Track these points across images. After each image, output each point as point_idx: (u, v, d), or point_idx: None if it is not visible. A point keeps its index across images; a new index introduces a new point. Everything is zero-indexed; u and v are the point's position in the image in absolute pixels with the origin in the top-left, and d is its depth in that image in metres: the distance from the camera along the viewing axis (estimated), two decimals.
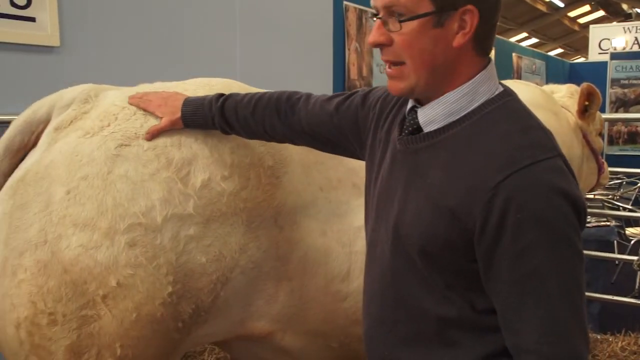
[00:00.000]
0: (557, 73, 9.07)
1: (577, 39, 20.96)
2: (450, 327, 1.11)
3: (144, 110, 1.45)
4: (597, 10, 18.48)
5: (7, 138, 1.45)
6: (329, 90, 3.66)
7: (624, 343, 3.49)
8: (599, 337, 3.60)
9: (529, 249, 0.98)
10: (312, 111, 1.41)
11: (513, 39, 15.58)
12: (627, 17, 16.63)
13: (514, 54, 7.89)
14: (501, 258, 1.00)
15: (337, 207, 1.63)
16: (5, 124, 1.52)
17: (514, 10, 16.28)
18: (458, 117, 1.09)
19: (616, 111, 8.26)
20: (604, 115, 3.33)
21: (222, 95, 1.48)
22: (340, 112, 1.38)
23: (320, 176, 1.65)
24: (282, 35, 3.40)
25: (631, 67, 8.33)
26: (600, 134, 3.10)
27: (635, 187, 5.87)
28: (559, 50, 22.51)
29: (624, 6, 16.76)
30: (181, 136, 1.44)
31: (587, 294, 1.04)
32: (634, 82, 8.30)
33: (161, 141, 1.41)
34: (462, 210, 1.02)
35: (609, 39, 9.63)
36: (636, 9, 16.29)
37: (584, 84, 2.81)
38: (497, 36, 1.16)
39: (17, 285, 1.28)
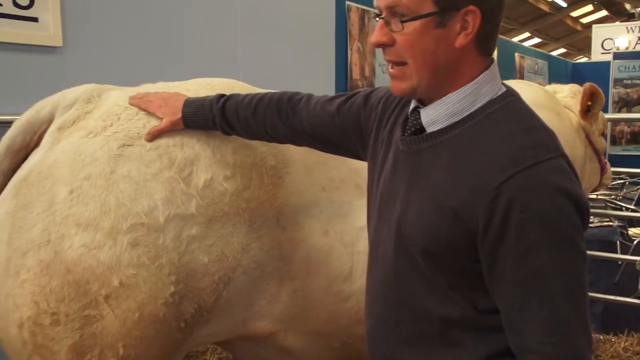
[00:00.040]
0: (559, 73, 9.06)
1: (580, 39, 20.93)
2: (453, 328, 1.11)
3: (145, 110, 1.45)
4: (600, 10, 18.45)
5: (8, 137, 1.45)
6: (331, 91, 3.66)
7: (626, 343, 3.49)
8: (601, 337, 3.59)
9: (533, 249, 0.98)
10: (314, 112, 1.41)
11: (515, 39, 15.58)
12: (630, 16, 16.61)
13: (516, 54, 7.88)
14: (504, 258, 1.00)
15: (339, 207, 1.63)
16: (8, 124, 1.52)
17: (517, 10, 16.26)
18: (461, 117, 1.09)
19: (619, 111, 8.24)
20: (607, 115, 3.32)
21: (223, 95, 1.48)
22: (342, 112, 1.38)
23: (323, 176, 1.65)
24: (284, 35, 3.40)
25: (634, 67, 8.32)
26: (603, 134, 3.10)
27: (638, 187, 5.84)
28: (562, 50, 22.48)
29: (627, 6, 16.74)
30: (184, 136, 1.44)
31: (589, 294, 1.04)
32: (637, 82, 8.29)
33: (164, 141, 1.41)
34: (465, 210, 1.02)
35: (611, 38, 9.62)
36: (639, 9, 16.26)
37: (587, 84, 2.80)
38: (499, 36, 1.15)
39: (20, 285, 1.28)
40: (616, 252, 4.53)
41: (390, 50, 1.10)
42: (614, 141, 8.31)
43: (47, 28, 2.30)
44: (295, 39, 3.47)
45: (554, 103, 2.75)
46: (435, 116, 1.11)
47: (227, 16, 3.08)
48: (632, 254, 4.66)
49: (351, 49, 4.41)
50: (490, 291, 1.05)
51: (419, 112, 1.15)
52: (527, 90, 2.49)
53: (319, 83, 3.62)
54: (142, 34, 2.67)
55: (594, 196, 5.03)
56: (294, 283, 1.55)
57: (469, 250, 1.04)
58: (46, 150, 1.39)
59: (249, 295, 1.51)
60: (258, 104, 1.45)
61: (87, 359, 1.29)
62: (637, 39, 9.55)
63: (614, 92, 8.34)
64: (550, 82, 7.77)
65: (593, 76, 5.95)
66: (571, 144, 2.63)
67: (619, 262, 4.75)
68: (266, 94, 1.49)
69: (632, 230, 5.28)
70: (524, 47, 9.20)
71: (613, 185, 5.81)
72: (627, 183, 6.07)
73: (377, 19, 1.10)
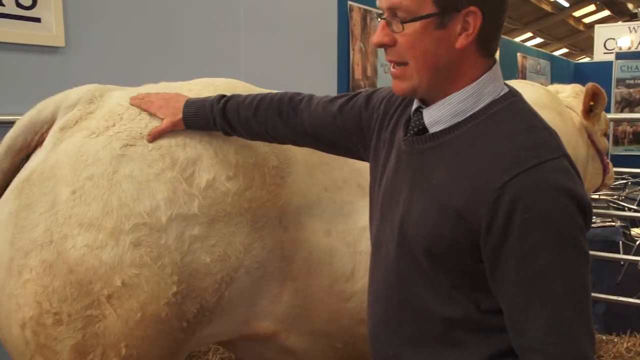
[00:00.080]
0: (562, 73, 9.05)
1: (582, 39, 20.90)
2: (456, 328, 1.11)
3: (145, 111, 1.46)
4: (603, 10, 18.42)
5: (10, 137, 1.46)
6: (333, 91, 3.66)
7: (629, 344, 3.48)
8: (604, 337, 3.59)
9: (535, 249, 0.98)
10: (315, 112, 1.41)
11: (518, 39, 15.57)
12: (633, 16, 16.58)
13: (518, 54, 7.87)
14: (507, 258, 1.00)
15: (341, 207, 1.63)
16: (10, 124, 1.52)
17: (519, 10, 16.24)
18: (463, 117, 1.09)
19: (621, 111, 8.23)
20: (609, 115, 3.31)
21: (223, 96, 1.48)
22: (344, 113, 1.38)
23: (325, 176, 1.65)
24: (287, 35, 3.40)
25: (636, 67, 8.31)
26: (606, 134, 3.09)
27: None
28: (564, 50, 22.45)
29: (630, 6, 16.71)
30: (186, 136, 1.44)
31: (592, 294, 1.04)
32: None
33: (166, 141, 1.41)
34: (468, 210, 1.02)
35: (614, 38, 9.61)
36: None
37: (589, 84, 2.80)
38: (501, 36, 1.15)
39: (22, 285, 1.29)
40: (619, 253, 4.53)
41: (392, 50, 1.10)
42: (617, 141, 8.30)
43: (50, 28, 2.30)
44: (298, 39, 3.47)
45: (556, 103, 2.74)
46: (438, 116, 1.11)
47: (230, 16, 3.08)
48: (634, 254, 4.66)
49: (353, 49, 4.41)
50: (493, 291, 1.05)
51: (421, 113, 1.15)
52: (530, 91, 2.48)
53: (321, 83, 3.62)
54: (145, 34, 2.67)
55: (597, 196, 5.03)
56: (296, 283, 1.55)
57: (472, 250, 1.04)
58: (49, 151, 1.39)
59: (251, 295, 1.51)
60: (259, 105, 1.45)
61: (90, 358, 1.29)
62: (639, 39, 9.53)
63: (616, 92, 8.33)
64: (552, 82, 7.77)
65: (595, 76, 5.94)
66: (573, 144, 2.62)
67: (622, 263, 4.75)
68: (267, 94, 1.49)
69: (635, 231, 5.27)
70: (526, 47, 9.19)
71: (615, 185, 5.81)
72: (629, 183, 6.06)
73: (380, 19, 1.10)
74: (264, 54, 3.26)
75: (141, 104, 1.46)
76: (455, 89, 1.09)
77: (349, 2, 4.36)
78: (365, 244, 1.57)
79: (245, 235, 1.44)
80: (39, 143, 1.46)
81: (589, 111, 2.81)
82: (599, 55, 9.70)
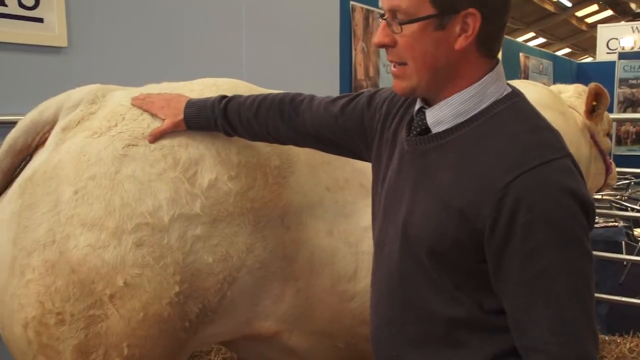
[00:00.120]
0: (564, 73, 9.03)
1: (585, 39, 20.86)
2: (459, 328, 1.11)
3: (147, 112, 1.46)
4: (605, 9, 18.38)
5: (11, 137, 1.46)
6: (335, 91, 3.66)
7: (632, 344, 3.47)
8: (607, 338, 3.58)
9: (539, 249, 0.98)
10: (317, 113, 1.41)
11: (520, 39, 15.55)
12: (636, 16, 16.56)
13: (521, 54, 7.86)
14: (511, 258, 1.00)
15: (343, 207, 1.63)
16: (13, 124, 1.52)
17: (522, 10, 16.22)
18: (466, 117, 1.09)
19: (624, 111, 8.22)
20: (612, 115, 3.31)
21: (224, 97, 1.48)
22: (346, 113, 1.38)
23: (327, 176, 1.65)
24: (289, 35, 3.40)
25: (639, 67, 8.28)
26: (608, 134, 3.08)
27: None
28: (567, 50, 22.42)
29: (632, 5, 16.69)
30: (188, 137, 1.44)
31: (595, 294, 1.04)
32: None
33: (168, 141, 1.41)
34: (471, 211, 1.02)
35: (617, 38, 9.58)
36: None
37: (592, 84, 2.79)
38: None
39: (25, 285, 1.29)
40: (621, 253, 4.52)
41: (392, 50, 1.11)
42: (619, 141, 8.28)
43: (52, 28, 2.31)
44: (300, 40, 3.47)
45: (559, 103, 2.74)
46: (440, 117, 1.11)
47: (232, 17, 3.08)
48: (637, 255, 4.65)
49: (355, 49, 4.41)
50: (496, 291, 1.05)
51: (424, 113, 1.15)
52: (532, 91, 2.48)
53: (323, 83, 3.62)
54: (147, 34, 2.67)
55: (599, 196, 5.02)
56: (298, 283, 1.55)
57: (475, 250, 1.04)
58: (51, 151, 1.39)
59: (253, 295, 1.51)
60: (260, 105, 1.45)
61: (92, 358, 1.30)
62: None
63: (619, 92, 8.32)
64: (555, 82, 7.76)
65: (598, 76, 5.93)
66: (576, 144, 2.62)
67: (625, 263, 4.75)
68: (268, 95, 1.48)
69: (638, 231, 5.27)
70: (528, 47, 9.18)
71: (618, 185, 5.80)
72: (632, 183, 6.05)
73: (381, 19, 1.11)
74: (265, 54, 3.26)
75: (142, 105, 1.46)
76: (457, 89, 1.09)
77: (351, 2, 4.36)
78: (367, 244, 1.57)
79: (247, 235, 1.44)
80: (41, 143, 1.46)
81: (592, 111, 2.81)
82: (602, 55, 9.68)
